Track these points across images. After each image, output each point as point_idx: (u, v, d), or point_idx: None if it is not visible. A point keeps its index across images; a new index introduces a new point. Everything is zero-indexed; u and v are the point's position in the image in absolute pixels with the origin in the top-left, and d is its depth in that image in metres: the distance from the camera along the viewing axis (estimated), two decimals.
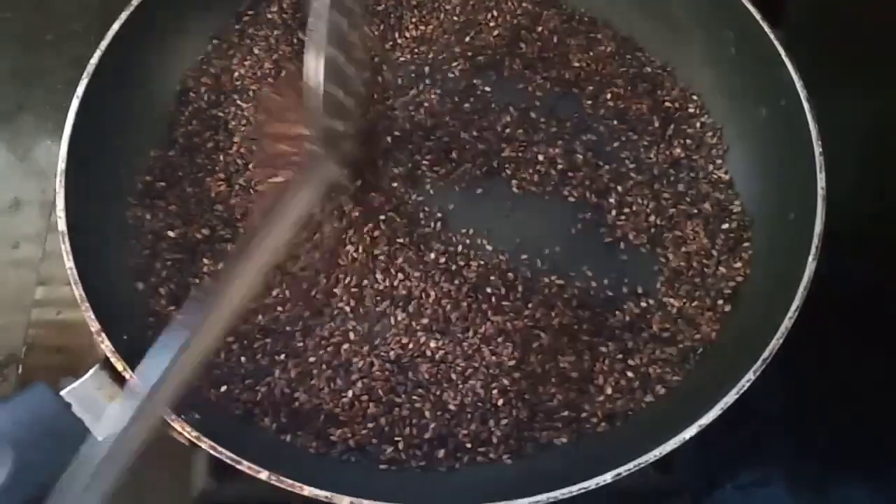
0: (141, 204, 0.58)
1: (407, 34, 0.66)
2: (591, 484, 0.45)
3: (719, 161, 0.61)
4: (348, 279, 0.57)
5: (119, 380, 0.47)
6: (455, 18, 0.67)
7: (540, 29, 0.66)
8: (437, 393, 0.54)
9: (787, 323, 0.49)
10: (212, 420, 0.49)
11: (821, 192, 0.53)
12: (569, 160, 0.61)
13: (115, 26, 0.57)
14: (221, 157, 0.61)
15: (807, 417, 0.62)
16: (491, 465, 0.52)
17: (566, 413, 0.53)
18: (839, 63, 0.71)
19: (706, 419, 0.47)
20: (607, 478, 0.45)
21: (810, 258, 0.51)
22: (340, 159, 0.51)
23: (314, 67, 0.46)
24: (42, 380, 0.61)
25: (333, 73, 0.47)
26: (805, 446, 0.62)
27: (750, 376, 0.48)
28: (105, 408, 0.46)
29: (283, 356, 0.55)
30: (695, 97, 0.64)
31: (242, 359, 0.54)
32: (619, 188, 0.60)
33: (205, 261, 0.57)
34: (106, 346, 0.47)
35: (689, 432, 0.47)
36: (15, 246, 0.70)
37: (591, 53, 0.66)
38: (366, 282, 0.57)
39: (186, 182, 0.60)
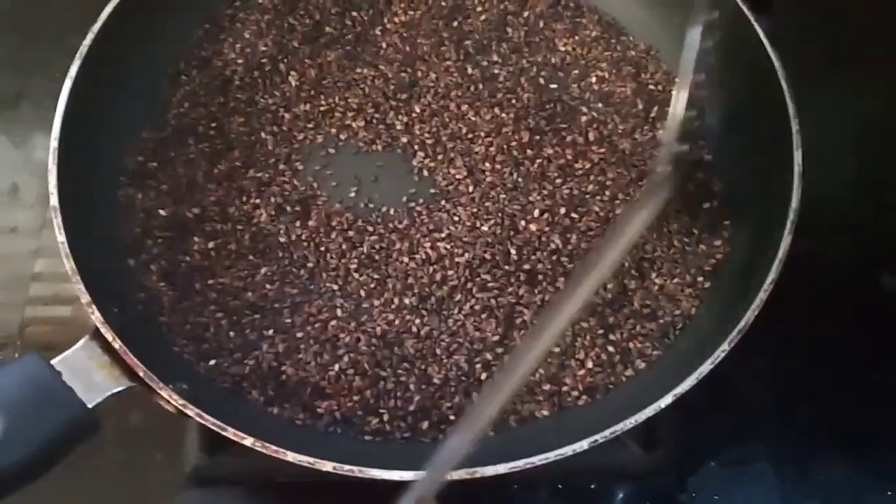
0: (133, 183, 0.60)
1: (396, 19, 0.67)
2: (568, 451, 0.46)
3: (701, 142, 0.62)
4: (336, 260, 0.58)
5: (108, 349, 0.48)
6: (443, 3, 0.68)
7: (526, 14, 0.67)
8: (422, 367, 0.55)
9: (762, 295, 0.50)
10: (200, 392, 0.50)
11: (797, 169, 0.54)
12: None
13: (108, 9, 0.59)
14: (213, 139, 0.62)
15: (791, 396, 0.63)
16: None
17: (547, 387, 0.54)
18: (826, 54, 0.72)
19: (681, 388, 0.48)
20: (584, 444, 0.46)
21: (786, 232, 0.52)
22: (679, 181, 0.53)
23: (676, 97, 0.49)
24: None
25: (693, 99, 0.50)
26: (789, 424, 0.62)
27: (725, 347, 0.49)
28: (94, 375, 0.47)
29: (271, 331, 0.56)
30: (678, 80, 0.65)
31: (231, 333, 0.55)
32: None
33: (195, 239, 0.58)
34: (96, 318, 0.48)
35: (665, 401, 0.47)
36: (12, 230, 0.71)
37: (577, 38, 0.67)
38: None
39: (178, 163, 0.61)
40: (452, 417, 0.53)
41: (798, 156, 0.54)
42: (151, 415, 0.59)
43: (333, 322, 0.56)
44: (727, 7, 0.59)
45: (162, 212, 0.59)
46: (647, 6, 0.66)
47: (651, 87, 0.65)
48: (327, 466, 0.46)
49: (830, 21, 0.74)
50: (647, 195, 0.52)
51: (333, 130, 0.63)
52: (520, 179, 0.61)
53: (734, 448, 0.62)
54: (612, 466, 0.58)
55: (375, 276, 0.58)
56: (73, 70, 0.56)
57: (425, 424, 0.53)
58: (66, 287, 0.49)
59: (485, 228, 0.59)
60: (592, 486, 0.59)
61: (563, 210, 0.60)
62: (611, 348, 0.55)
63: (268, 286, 0.57)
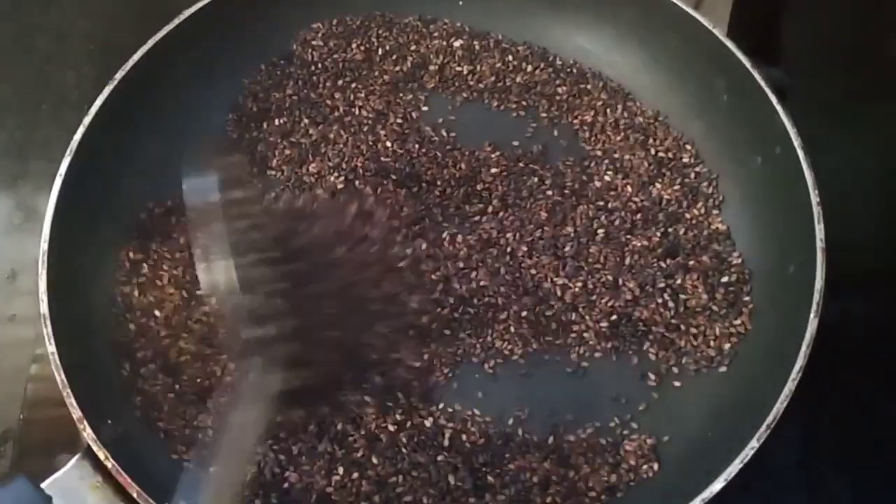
0: (128, 281, 0.58)
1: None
2: None
3: (716, 211, 0.60)
4: None
5: (101, 468, 0.46)
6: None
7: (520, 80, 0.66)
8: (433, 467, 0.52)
9: (790, 385, 0.47)
10: None
11: (820, 245, 0.51)
12: None
13: (98, 101, 0.57)
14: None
15: (822, 469, 0.59)
16: None
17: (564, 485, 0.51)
18: (840, 101, 0.70)
19: (708, 493, 0.45)
20: None
21: (811, 315, 0.49)
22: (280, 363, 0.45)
23: (213, 282, 0.41)
24: (38, 457, 0.61)
25: (243, 280, 0.42)
26: (822, 498, 0.59)
27: (754, 444, 0.46)
28: (87, 498, 0.45)
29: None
30: (688, 147, 0.62)
31: None
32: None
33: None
34: (88, 435, 0.46)
35: None
36: (11, 319, 0.69)
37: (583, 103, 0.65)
38: None
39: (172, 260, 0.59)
40: None
41: (820, 230, 0.52)
42: None
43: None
44: (736, 69, 0.57)
45: (157, 313, 0.56)
46: (654, 71, 0.64)
47: (661, 154, 0.62)
48: None
49: (845, 65, 0.72)
50: (240, 395, 0.44)
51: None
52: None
53: None
54: None
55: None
56: (63, 167, 0.55)
57: None
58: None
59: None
60: None
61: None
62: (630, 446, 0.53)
63: None
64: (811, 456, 0.60)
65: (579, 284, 0.57)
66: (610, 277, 0.57)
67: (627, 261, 0.58)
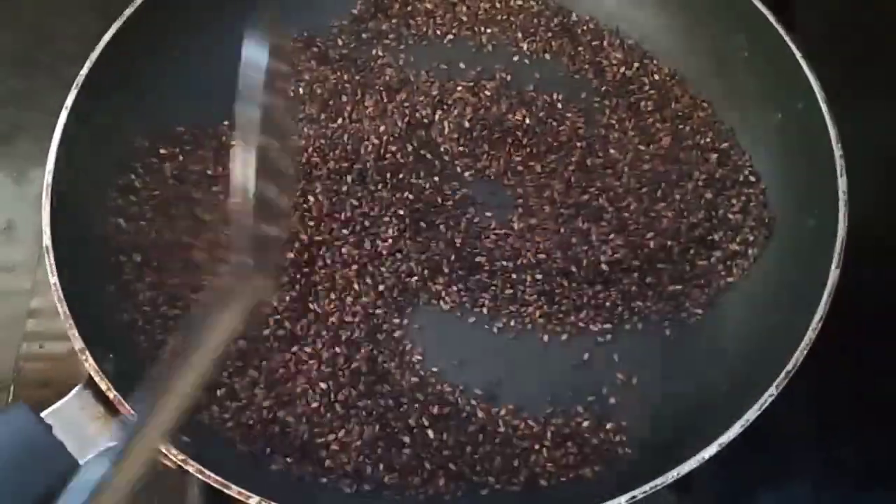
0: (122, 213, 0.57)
1: None
2: None
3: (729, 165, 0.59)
4: None
5: (103, 400, 0.45)
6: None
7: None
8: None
9: (810, 335, 0.46)
10: (201, 443, 0.46)
11: (842, 197, 0.50)
12: None
13: (105, 38, 0.56)
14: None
15: (835, 432, 0.58)
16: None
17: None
18: (859, 66, 0.68)
19: (726, 437, 0.44)
20: (621, 501, 0.42)
21: (833, 266, 0.48)
22: (270, 269, 0.39)
23: (242, 162, 0.35)
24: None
25: (266, 166, 0.36)
26: (833, 464, 0.58)
27: (772, 391, 0.45)
28: (88, 429, 0.44)
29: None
30: (705, 104, 0.62)
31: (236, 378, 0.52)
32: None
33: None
34: (90, 365, 0.45)
35: (709, 451, 0.44)
36: (8, 271, 0.68)
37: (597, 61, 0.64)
38: None
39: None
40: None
41: (843, 183, 0.51)
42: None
43: None
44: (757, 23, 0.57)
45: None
46: (672, 29, 0.63)
47: (677, 114, 0.62)
48: None
49: (863, 30, 0.70)
50: (232, 292, 0.37)
51: None
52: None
53: (775, 491, 0.58)
54: None
55: None
56: (70, 101, 0.54)
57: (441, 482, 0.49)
58: (61, 326, 0.46)
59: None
60: None
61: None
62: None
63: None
64: (824, 418, 0.59)
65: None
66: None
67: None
